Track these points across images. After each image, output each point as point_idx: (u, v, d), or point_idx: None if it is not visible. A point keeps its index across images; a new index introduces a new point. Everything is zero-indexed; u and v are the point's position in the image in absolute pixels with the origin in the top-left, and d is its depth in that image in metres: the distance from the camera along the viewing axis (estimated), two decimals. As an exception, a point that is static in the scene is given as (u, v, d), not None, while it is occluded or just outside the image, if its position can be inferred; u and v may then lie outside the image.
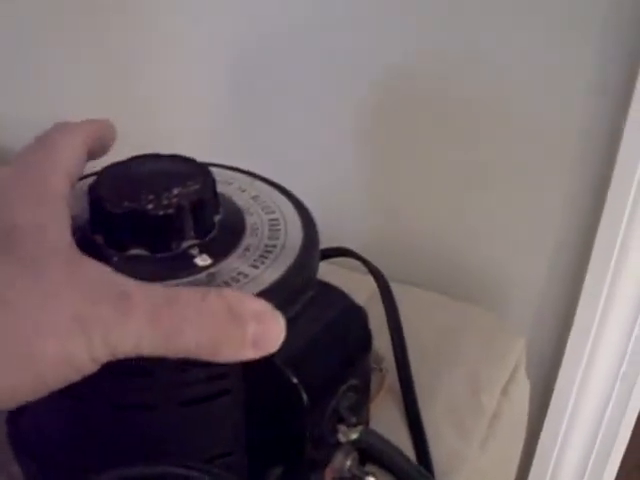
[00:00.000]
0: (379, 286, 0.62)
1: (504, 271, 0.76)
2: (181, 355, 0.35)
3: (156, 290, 0.37)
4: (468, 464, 0.57)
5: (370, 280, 0.63)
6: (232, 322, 0.35)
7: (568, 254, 0.73)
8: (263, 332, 0.36)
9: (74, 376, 0.36)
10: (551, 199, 0.71)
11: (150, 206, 0.44)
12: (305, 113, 0.81)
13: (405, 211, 0.80)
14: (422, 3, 0.69)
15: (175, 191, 0.45)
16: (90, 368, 0.36)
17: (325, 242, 0.63)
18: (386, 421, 0.54)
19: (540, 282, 0.75)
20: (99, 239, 0.46)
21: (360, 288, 0.63)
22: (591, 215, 0.68)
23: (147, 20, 0.86)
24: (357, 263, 0.64)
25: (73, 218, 0.48)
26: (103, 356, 0.35)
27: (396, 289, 0.63)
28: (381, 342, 0.61)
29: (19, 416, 0.53)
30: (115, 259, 0.45)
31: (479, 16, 0.68)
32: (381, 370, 0.61)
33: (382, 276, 0.63)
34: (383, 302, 0.61)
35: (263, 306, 0.37)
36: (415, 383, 0.60)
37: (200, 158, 0.49)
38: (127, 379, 0.42)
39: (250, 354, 0.36)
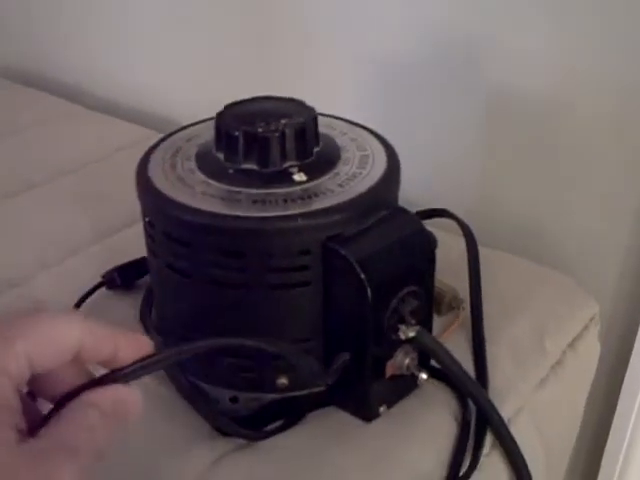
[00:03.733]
0: (465, 237, 0.70)
1: (588, 245, 0.83)
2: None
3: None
4: (522, 395, 0.64)
5: (463, 242, 0.71)
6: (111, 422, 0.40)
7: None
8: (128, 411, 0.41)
9: None
10: (633, 176, 0.77)
11: (261, 130, 0.55)
12: (434, 107, 0.90)
13: (503, 187, 0.88)
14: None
15: (282, 121, 0.56)
16: None
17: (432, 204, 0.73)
18: (456, 347, 0.62)
19: (620, 255, 0.81)
20: (220, 156, 0.57)
21: (452, 246, 0.71)
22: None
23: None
24: (456, 228, 0.72)
25: (200, 144, 0.60)
26: None
27: (486, 252, 0.71)
28: (465, 291, 0.69)
29: (148, 303, 0.65)
30: (231, 171, 0.56)
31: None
32: (458, 309, 0.69)
33: (469, 230, 0.70)
34: (467, 250, 0.69)
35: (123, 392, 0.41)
36: (486, 324, 0.67)
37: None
38: (224, 258, 0.53)
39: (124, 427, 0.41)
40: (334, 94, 0.96)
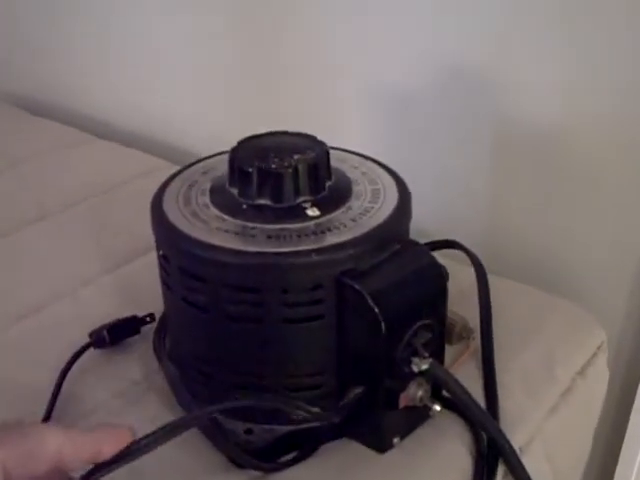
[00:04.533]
0: (475, 268, 0.71)
1: (596, 270, 0.84)
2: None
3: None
4: (534, 423, 0.65)
5: (472, 272, 0.71)
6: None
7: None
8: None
9: None
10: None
11: (274, 166, 0.56)
12: (443, 138, 0.92)
13: (513, 216, 0.89)
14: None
15: (295, 156, 0.57)
16: None
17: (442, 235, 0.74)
18: (466, 377, 0.63)
19: (628, 281, 0.82)
20: (234, 191, 0.58)
21: (463, 277, 0.72)
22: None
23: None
24: (465, 258, 0.73)
25: (214, 178, 0.61)
26: None
27: (496, 281, 0.72)
28: (475, 322, 0.70)
29: (161, 331, 0.66)
30: (244, 207, 0.57)
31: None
32: (469, 338, 0.70)
33: (479, 261, 0.71)
34: (477, 280, 0.70)
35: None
36: (497, 352, 0.68)
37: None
38: (239, 293, 0.53)
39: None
40: (343, 126, 0.97)
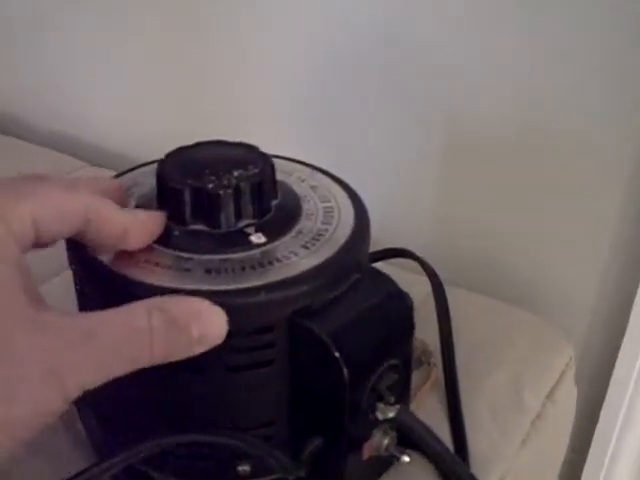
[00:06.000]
0: (432, 283, 0.64)
1: (559, 282, 0.78)
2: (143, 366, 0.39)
3: (114, 320, 0.39)
4: (506, 459, 0.58)
5: (426, 282, 0.65)
6: (179, 333, 0.39)
7: (621, 265, 0.74)
8: (206, 330, 0.40)
9: (50, 420, 0.37)
10: (606, 209, 0.73)
11: (211, 185, 0.47)
12: (389, 140, 0.84)
13: (465, 220, 0.83)
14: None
15: (236, 173, 0.48)
16: (64, 408, 0.37)
17: (386, 244, 0.66)
18: (429, 411, 0.56)
19: (593, 293, 0.76)
20: (163, 215, 0.49)
21: (416, 288, 0.65)
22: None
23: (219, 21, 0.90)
24: (415, 265, 0.66)
25: (140, 196, 0.52)
26: (76, 393, 0.38)
27: (452, 292, 0.65)
28: (432, 340, 0.63)
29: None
30: (176, 233, 0.48)
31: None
32: (429, 364, 0.63)
33: (435, 274, 0.64)
34: (435, 299, 0.63)
35: (203, 305, 0.40)
36: (460, 379, 0.61)
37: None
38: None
39: (199, 350, 0.40)
40: (277, 131, 0.89)
